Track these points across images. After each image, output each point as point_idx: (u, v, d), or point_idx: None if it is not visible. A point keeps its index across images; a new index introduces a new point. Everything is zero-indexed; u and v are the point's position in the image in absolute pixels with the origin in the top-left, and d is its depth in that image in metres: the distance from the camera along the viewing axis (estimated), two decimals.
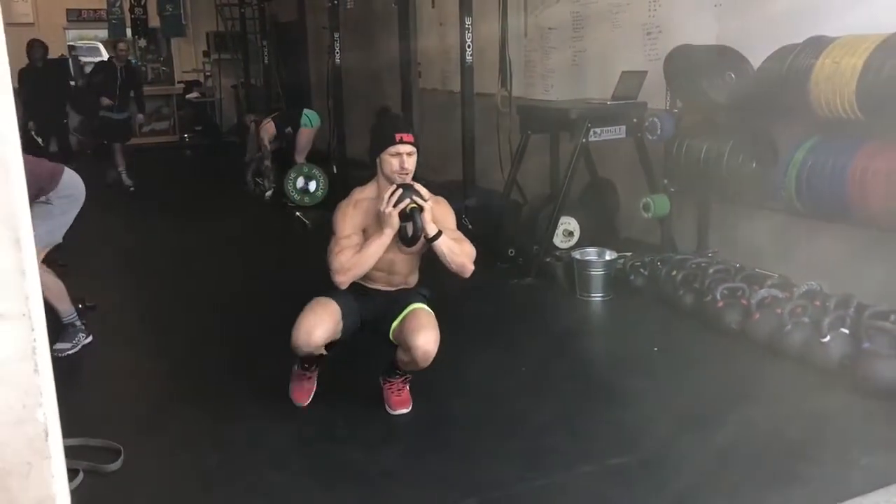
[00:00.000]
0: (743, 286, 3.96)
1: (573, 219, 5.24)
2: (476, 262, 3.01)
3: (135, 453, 2.82)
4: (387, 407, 3.17)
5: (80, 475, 2.66)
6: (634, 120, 4.95)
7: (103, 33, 13.34)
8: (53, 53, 9.79)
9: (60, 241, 3.81)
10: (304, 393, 3.20)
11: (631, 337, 4.15)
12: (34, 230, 1.39)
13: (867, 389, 3.15)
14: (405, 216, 2.90)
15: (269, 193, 8.06)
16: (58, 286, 3.82)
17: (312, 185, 7.63)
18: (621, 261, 4.70)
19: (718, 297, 3.94)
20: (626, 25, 5.45)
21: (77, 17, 12.93)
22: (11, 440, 1.37)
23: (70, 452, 1.52)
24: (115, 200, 7.95)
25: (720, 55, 4.47)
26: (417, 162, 2.98)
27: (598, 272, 4.59)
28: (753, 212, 4.42)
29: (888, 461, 2.69)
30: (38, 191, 3.50)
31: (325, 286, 3.00)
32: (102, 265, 5.56)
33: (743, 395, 3.23)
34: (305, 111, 8.16)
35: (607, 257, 4.67)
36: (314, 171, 7.69)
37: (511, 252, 5.17)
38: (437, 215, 2.98)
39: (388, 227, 2.90)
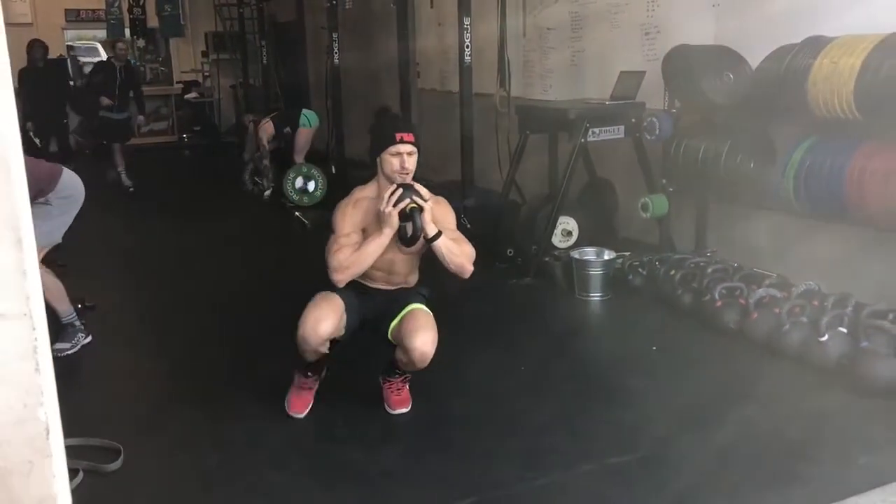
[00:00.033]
0: (741, 286, 3.97)
1: (572, 218, 5.24)
2: (475, 262, 3.01)
3: (135, 453, 2.83)
4: (386, 406, 3.17)
5: (80, 475, 2.66)
6: (633, 120, 4.95)
7: (102, 33, 13.35)
8: (52, 54, 9.78)
9: (60, 241, 3.81)
10: (302, 403, 3.14)
11: (630, 336, 4.15)
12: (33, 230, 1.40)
13: (865, 388, 3.15)
14: (405, 216, 2.90)
15: (267, 193, 8.07)
16: (57, 286, 3.82)
17: (311, 185, 7.63)
18: (620, 260, 4.71)
19: (717, 296, 3.95)
20: (625, 25, 5.45)
21: (75, 18, 12.93)
22: (13, 439, 1.37)
23: (70, 452, 1.52)
24: (114, 201, 7.94)
25: (718, 55, 4.47)
26: (417, 162, 2.98)
27: (596, 272, 4.59)
28: (751, 212, 4.42)
29: (886, 460, 2.70)
30: (38, 192, 3.50)
31: (324, 286, 2.99)
32: (102, 265, 5.56)
33: (741, 394, 3.24)
34: (304, 111, 8.17)
35: (606, 257, 4.68)
36: (313, 171, 7.69)
37: (510, 252, 5.18)
38: (437, 215, 2.98)
39: (387, 227, 2.90)
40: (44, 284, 1.92)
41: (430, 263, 3.09)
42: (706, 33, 4.72)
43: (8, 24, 1.35)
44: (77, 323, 3.94)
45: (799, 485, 2.58)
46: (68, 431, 1.47)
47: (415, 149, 2.95)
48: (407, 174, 2.93)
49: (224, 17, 12.14)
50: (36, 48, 8.75)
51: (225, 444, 2.97)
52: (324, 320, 2.88)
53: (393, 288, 3.12)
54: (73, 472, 2.56)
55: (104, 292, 4.76)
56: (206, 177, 10.02)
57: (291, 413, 3.12)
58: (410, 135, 2.96)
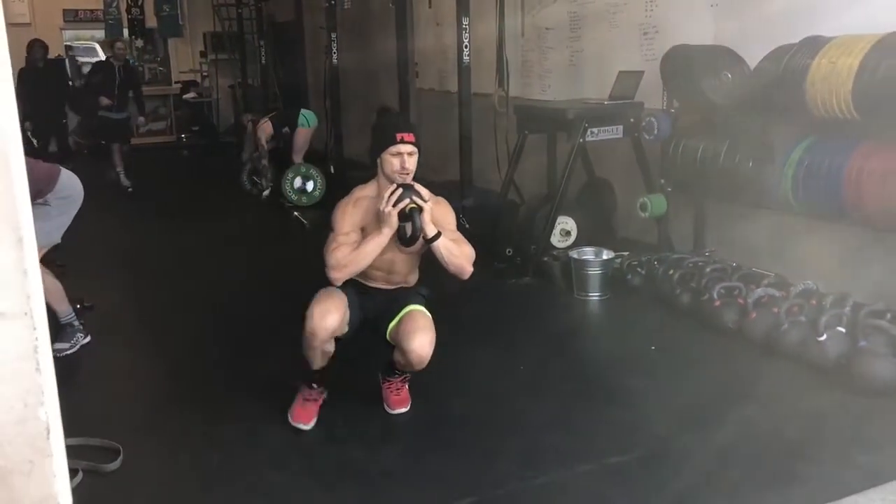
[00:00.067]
0: (740, 285, 3.97)
1: (570, 218, 5.25)
2: (474, 262, 3.00)
3: (134, 453, 2.83)
4: (386, 406, 3.18)
5: (80, 474, 2.66)
6: (631, 120, 4.96)
7: (100, 34, 13.34)
8: (51, 54, 9.78)
9: (59, 241, 3.81)
10: (307, 415, 3.05)
11: (628, 336, 4.16)
12: None
13: (863, 388, 3.16)
14: (404, 216, 2.89)
15: (266, 193, 8.06)
16: (56, 286, 3.82)
17: (310, 185, 7.63)
18: (618, 260, 4.71)
19: (715, 296, 3.95)
20: (623, 25, 5.46)
21: (74, 18, 12.92)
22: (13, 438, 1.37)
23: (70, 452, 1.52)
24: (113, 201, 7.94)
25: (717, 55, 4.48)
26: (417, 162, 2.98)
27: (595, 272, 4.60)
28: (750, 211, 4.43)
29: (885, 459, 2.70)
30: (36, 192, 3.49)
31: (323, 285, 2.98)
32: (100, 265, 5.56)
33: (740, 393, 3.24)
34: (302, 111, 8.17)
35: (604, 257, 4.68)
36: (311, 171, 7.69)
37: (508, 252, 5.18)
38: (437, 216, 2.97)
39: (386, 227, 2.89)
40: (43, 284, 1.92)
41: (430, 263, 3.09)
42: (705, 33, 4.73)
43: (6, 24, 1.35)
44: (76, 323, 3.94)
45: (798, 484, 2.58)
46: (68, 431, 1.47)
47: (415, 149, 2.95)
48: (407, 174, 2.93)
49: (222, 17, 12.14)
50: (36, 48, 8.74)
51: (225, 444, 2.97)
52: (330, 313, 2.87)
53: (392, 287, 3.12)
54: (72, 472, 2.56)
55: (103, 292, 4.76)
56: (204, 177, 10.02)
57: (296, 424, 3.04)
58: (411, 135, 2.95)
